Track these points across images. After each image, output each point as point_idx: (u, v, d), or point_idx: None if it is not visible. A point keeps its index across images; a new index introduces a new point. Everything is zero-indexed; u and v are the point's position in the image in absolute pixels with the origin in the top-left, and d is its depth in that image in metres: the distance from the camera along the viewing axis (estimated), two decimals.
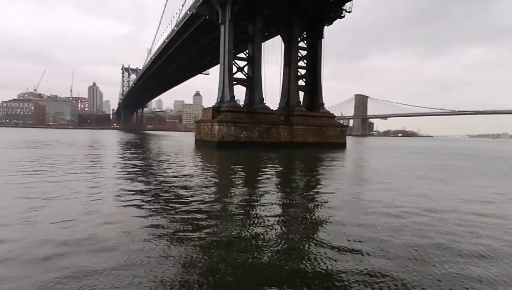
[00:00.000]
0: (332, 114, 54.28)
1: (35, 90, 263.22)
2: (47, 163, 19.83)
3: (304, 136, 46.23)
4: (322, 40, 51.59)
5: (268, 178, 16.09)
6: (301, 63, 51.81)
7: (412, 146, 69.30)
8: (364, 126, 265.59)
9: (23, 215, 8.17)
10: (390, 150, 48.69)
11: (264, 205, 10.04)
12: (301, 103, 50.75)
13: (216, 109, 42.76)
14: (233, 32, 43.53)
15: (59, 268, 5.23)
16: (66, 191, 11.31)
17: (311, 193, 12.74)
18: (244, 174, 18.63)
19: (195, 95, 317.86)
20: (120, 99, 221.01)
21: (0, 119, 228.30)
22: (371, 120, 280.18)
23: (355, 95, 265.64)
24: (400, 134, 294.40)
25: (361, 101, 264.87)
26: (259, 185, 13.97)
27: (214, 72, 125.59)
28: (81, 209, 8.87)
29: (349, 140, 51.06)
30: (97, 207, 9.15)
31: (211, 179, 15.94)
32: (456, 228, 8.02)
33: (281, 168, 21.43)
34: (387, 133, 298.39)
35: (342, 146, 48.58)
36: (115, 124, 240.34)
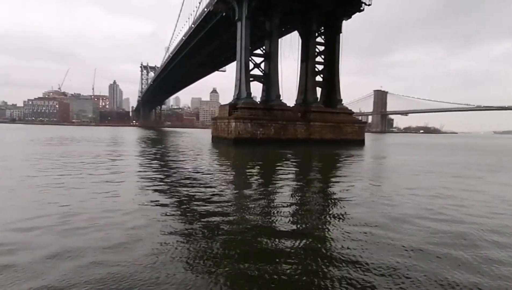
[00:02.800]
0: (350, 110, 53.27)
1: (59, 88, 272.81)
2: (78, 159, 20.51)
3: (321, 132, 45.65)
4: (340, 34, 50.58)
5: (285, 175, 15.96)
6: (318, 59, 51.07)
7: (435, 143, 67.01)
8: (384, 122, 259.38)
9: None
10: (412, 147, 47.30)
11: (282, 202, 9.93)
12: (319, 99, 50.12)
13: (232, 106, 42.89)
14: (249, 29, 43.39)
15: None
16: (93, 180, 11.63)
17: (330, 191, 12.50)
18: (261, 171, 18.58)
19: (212, 92, 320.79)
20: (139, 96, 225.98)
21: (27, 116, 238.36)
22: (391, 116, 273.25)
23: (374, 90, 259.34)
24: (421, 131, 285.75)
25: (380, 96, 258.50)
26: (277, 182, 13.87)
27: (231, 69, 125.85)
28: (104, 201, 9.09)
29: (368, 137, 49.93)
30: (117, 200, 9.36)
31: (227, 175, 15.97)
32: None
33: (298, 165, 21.23)
34: (407, 130, 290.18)
35: (360, 143, 47.64)
36: (134, 121, 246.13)
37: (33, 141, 39.01)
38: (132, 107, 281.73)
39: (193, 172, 16.23)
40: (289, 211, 8.99)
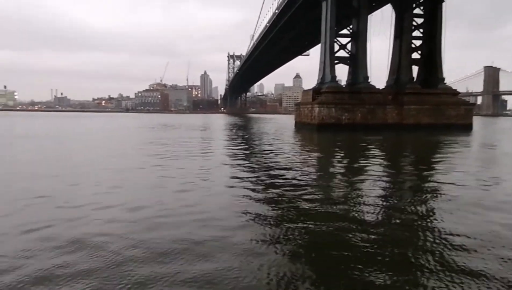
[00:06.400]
0: (455, 90, 46.19)
1: (161, 80, 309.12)
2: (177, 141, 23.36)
3: (416, 116, 40.87)
4: (443, 3, 43.65)
5: (372, 165, 14.88)
6: (415, 33, 45.30)
7: None
8: (496, 104, 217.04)
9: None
10: None
11: (369, 198, 9.36)
12: (415, 79, 44.81)
13: (316, 91, 41.86)
14: (335, 8, 41.04)
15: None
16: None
17: (428, 188, 11.12)
18: (346, 158, 17.84)
19: (295, 78, 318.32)
20: (226, 85, 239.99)
21: (137, 106, 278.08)
22: (505, 97, 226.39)
23: (484, 67, 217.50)
24: None
25: (491, 74, 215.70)
26: (363, 173, 13.11)
27: (315, 52, 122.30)
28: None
29: (477, 121, 42.45)
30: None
31: (310, 162, 15.82)
32: None
33: (387, 154, 19.63)
34: None
35: (466, 128, 41.00)
36: (222, 108, 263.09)
37: (152, 128, 45.64)
38: (220, 95, 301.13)
39: (274, 157, 16.59)
40: (378, 203, 8.44)
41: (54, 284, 4.17)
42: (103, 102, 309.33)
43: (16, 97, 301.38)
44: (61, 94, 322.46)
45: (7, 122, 61.17)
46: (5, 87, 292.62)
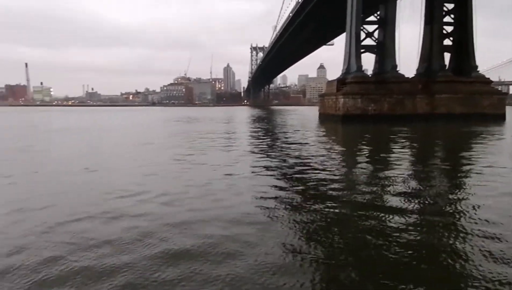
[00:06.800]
0: (488, 78, 43.55)
1: (185, 74, 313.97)
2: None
3: (448, 106, 38.97)
4: None
5: (402, 158, 14.46)
6: (446, 19, 42.96)
7: None
8: None
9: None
10: None
11: (399, 197, 9.09)
12: (446, 67, 42.63)
13: (341, 81, 40.89)
14: None
15: None
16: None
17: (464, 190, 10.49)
18: (374, 150, 17.49)
19: (318, 68, 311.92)
20: (249, 77, 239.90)
21: (163, 100, 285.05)
22: None
23: None
24: None
25: None
26: (393, 165, 12.84)
27: (339, 41, 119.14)
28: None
29: (508, 111, 40.23)
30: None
31: (334, 156, 15.67)
32: None
33: (418, 146, 19.00)
34: None
35: (499, 118, 38.62)
36: (245, 101, 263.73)
37: (177, 121, 46.92)
38: (243, 87, 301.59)
39: (298, 149, 16.59)
40: (410, 197, 8.31)
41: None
42: (131, 96, 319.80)
43: (52, 93, 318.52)
44: (92, 89, 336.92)
45: (59, 117, 65.07)
46: (41, 83, 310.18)
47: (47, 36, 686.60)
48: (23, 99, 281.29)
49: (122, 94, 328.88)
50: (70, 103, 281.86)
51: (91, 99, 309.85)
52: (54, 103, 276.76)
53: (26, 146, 18.55)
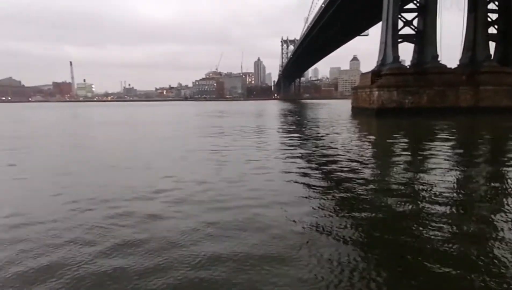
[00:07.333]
0: None
1: (216, 69, 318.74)
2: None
3: (493, 98, 36.23)
4: None
5: (444, 155, 13.57)
6: (491, 6, 39.78)
7: None
8: None
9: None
10: None
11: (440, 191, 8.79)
12: (492, 57, 39.55)
13: (375, 73, 39.44)
14: None
15: None
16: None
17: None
18: (411, 146, 16.83)
19: (352, 60, 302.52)
20: (279, 71, 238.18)
21: (195, 95, 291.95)
22: None
23: None
24: None
25: None
26: (434, 163, 12.28)
27: (375, 31, 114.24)
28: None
29: None
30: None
31: (368, 153, 15.30)
32: None
33: (463, 142, 17.95)
34: None
35: None
36: (275, 95, 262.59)
37: (210, 116, 48.17)
38: (274, 81, 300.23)
39: (329, 146, 16.41)
40: (449, 197, 8.01)
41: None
42: (165, 91, 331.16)
43: (93, 89, 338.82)
44: (129, 85, 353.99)
45: (112, 111, 69.52)
46: (84, 80, 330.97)
47: (89, 34, 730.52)
48: (68, 95, 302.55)
49: (156, 89, 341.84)
50: (109, 99, 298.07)
51: (128, 95, 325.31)
52: (95, 99, 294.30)
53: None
